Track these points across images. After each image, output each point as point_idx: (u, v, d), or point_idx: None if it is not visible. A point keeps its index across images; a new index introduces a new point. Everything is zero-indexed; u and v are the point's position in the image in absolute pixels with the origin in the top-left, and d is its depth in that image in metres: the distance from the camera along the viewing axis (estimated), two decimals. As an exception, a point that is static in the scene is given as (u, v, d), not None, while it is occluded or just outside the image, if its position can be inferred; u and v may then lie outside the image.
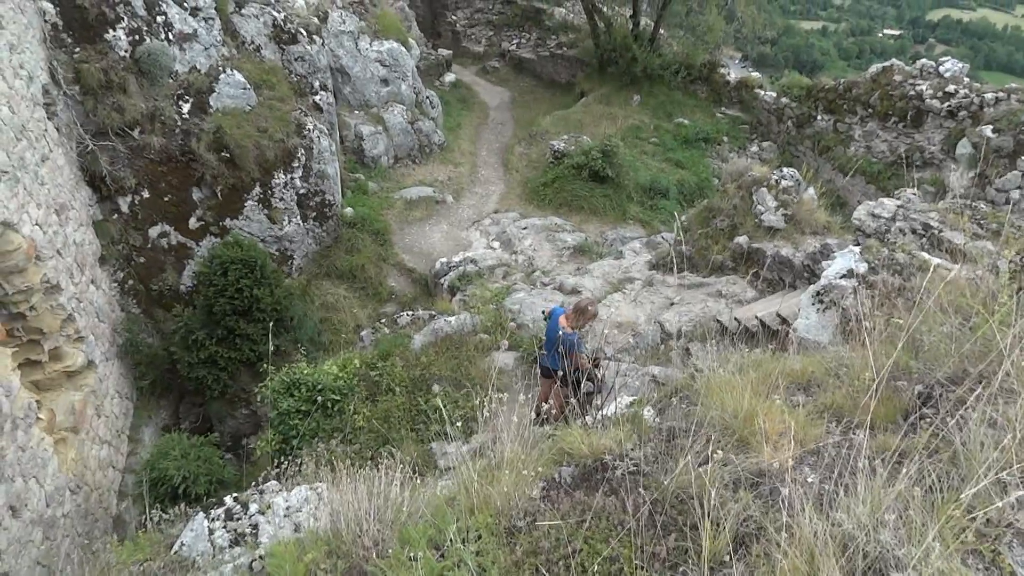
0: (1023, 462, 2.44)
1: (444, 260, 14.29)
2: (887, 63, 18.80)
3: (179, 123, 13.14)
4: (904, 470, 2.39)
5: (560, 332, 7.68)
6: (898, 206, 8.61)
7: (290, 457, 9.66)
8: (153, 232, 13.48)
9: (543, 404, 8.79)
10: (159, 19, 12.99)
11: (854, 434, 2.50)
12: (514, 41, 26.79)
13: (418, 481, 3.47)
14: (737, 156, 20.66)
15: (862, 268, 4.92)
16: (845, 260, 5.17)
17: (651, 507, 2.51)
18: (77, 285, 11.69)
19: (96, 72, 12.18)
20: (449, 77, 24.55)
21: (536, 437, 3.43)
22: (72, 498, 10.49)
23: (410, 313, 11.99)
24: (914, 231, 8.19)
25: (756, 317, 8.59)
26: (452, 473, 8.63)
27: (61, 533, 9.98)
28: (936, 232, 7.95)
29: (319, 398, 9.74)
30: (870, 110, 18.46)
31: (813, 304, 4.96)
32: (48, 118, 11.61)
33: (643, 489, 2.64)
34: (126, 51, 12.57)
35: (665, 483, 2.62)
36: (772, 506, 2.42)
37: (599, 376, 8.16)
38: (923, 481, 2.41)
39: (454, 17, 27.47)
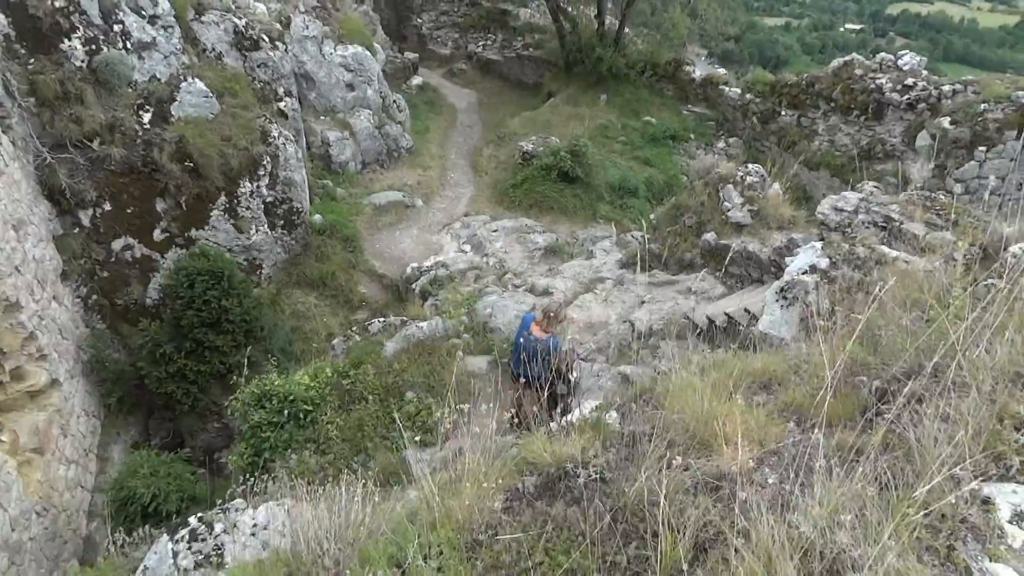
0: (976, 456, 2.47)
1: (415, 265, 14.22)
2: (848, 57, 19.10)
3: (140, 133, 12.90)
4: (860, 469, 2.41)
5: (531, 338, 7.66)
6: (860, 199, 8.74)
7: (261, 471, 9.59)
8: (116, 245, 13.22)
9: (516, 409, 8.79)
10: (116, 28, 12.75)
11: (813, 433, 2.51)
12: (480, 43, 26.75)
13: (376, 499, 3.41)
14: (704, 153, 20.86)
15: (824, 263, 4.98)
16: (807, 255, 5.22)
17: (612, 515, 2.50)
18: (38, 302, 11.41)
19: (52, 83, 11.90)
20: (416, 80, 24.44)
21: (499, 446, 3.41)
22: (39, 521, 10.25)
23: (382, 320, 11.90)
24: (876, 224, 8.31)
25: (725, 313, 8.65)
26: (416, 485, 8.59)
27: (28, 558, 9.75)
28: (897, 224, 8.07)
29: (291, 409, 9.63)
30: (832, 104, 18.74)
31: (777, 300, 5.00)
32: (3, 131, 11.34)
33: (604, 497, 2.62)
34: (83, 61, 12.31)
35: (627, 491, 2.61)
36: (731, 510, 2.42)
37: (572, 378, 8.16)
38: (879, 479, 2.43)
39: (420, 20, 27.36)
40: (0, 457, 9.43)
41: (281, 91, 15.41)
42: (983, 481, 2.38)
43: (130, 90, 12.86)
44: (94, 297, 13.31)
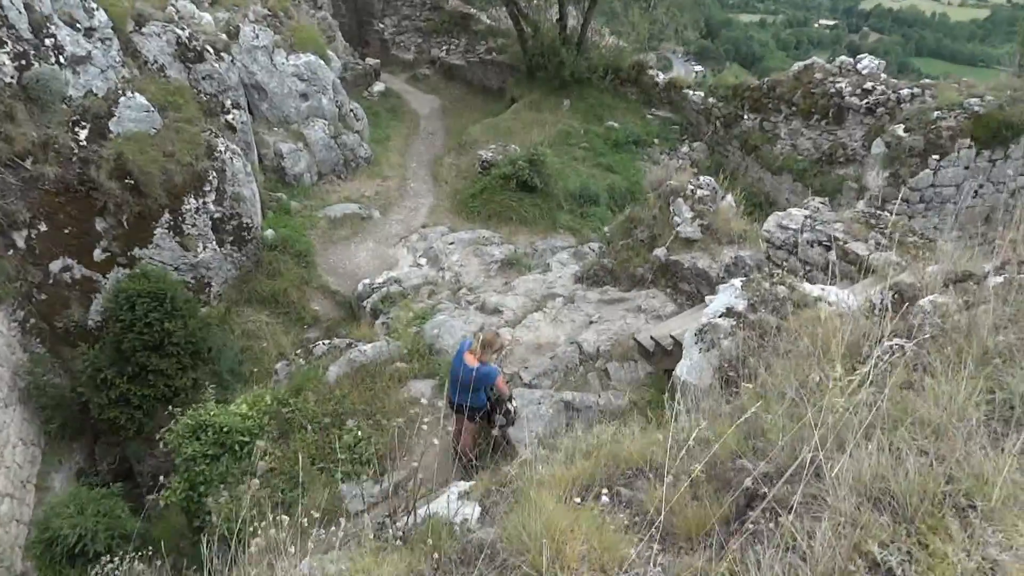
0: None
1: (367, 281, 13.87)
2: (808, 61, 19.02)
3: (76, 151, 12.43)
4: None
5: (466, 367, 7.38)
6: (806, 216, 8.55)
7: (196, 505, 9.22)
8: (55, 266, 12.75)
9: (454, 441, 8.50)
10: (48, 41, 12.27)
11: (665, 551, 2.23)
12: (444, 48, 26.40)
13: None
14: (668, 158, 20.68)
15: (741, 305, 4.71)
16: (726, 296, 4.97)
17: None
18: (-34, 330, 10.96)
19: (-22, 101, 11.43)
20: (378, 87, 24.05)
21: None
22: (-36, 562, 9.81)
23: (326, 342, 11.55)
24: (820, 243, 8.13)
25: (670, 336, 8.42)
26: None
27: (-50, 604, 9.31)
28: (841, 244, 7.89)
29: (227, 441, 9.26)
30: (794, 108, 18.64)
31: (696, 343, 4.75)
32: (-76, 153, 10.86)
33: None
34: (12, 77, 11.82)
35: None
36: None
37: (512, 408, 7.89)
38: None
39: (381, 25, 26.93)
40: (-83, 499, 8.95)
41: (228, 103, 14.98)
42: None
43: (64, 106, 12.40)
44: (32, 320, 12.82)
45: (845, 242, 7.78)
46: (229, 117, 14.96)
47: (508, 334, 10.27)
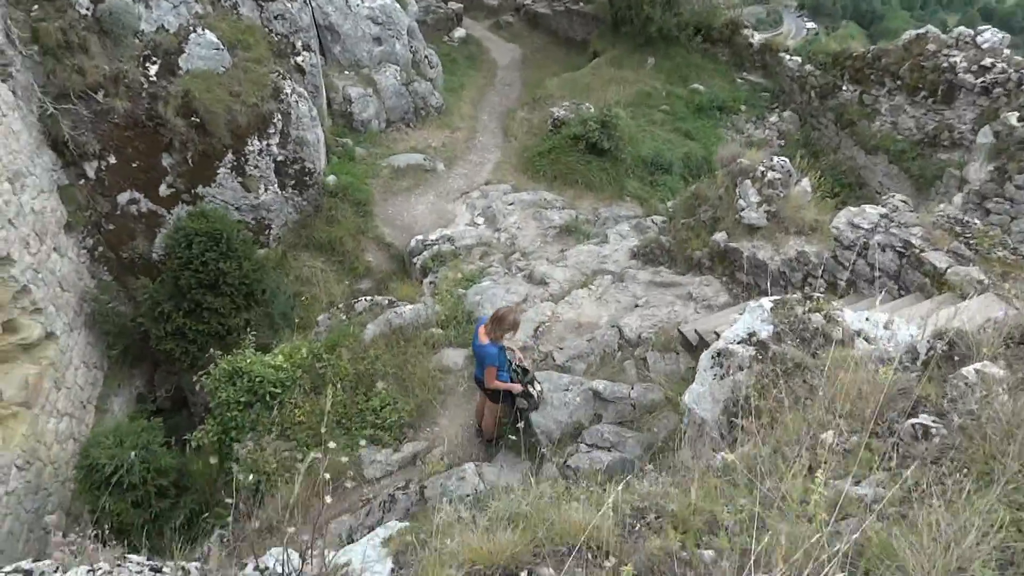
0: None
1: (420, 237, 13.67)
2: (922, 30, 17.23)
3: (145, 86, 12.59)
4: None
5: (477, 344, 7.08)
6: (881, 216, 7.72)
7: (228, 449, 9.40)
8: (122, 199, 13.11)
9: (478, 418, 8.28)
10: (124, -26, 12.32)
11: None
12: (530, -6, 25.44)
13: None
14: (754, 127, 19.47)
15: (766, 332, 4.14)
16: (752, 317, 4.40)
17: None
18: (35, 255, 11.39)
19: (55, 31, 11.64)
20: (459, 32, 23.47)
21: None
22: (20, 475, 10.39)
23: (368, 299, 11.46)
24: (894, 247, 7.32)
25: (715, 332, 7.84)
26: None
27: (3, 511, 9.91)
28: (917, 252, 7.07)
29: (259, 390, 9.36)
30: (899, 82, 17.00)
31: (712, 367, 4.24)
32: (2, 80, 11.16)
33: None
34: (87, 9, 11.99)
35: None
36: None
37: (536, 392, 7.57)
38: None
39: (469, -33, 26.10)
40: (-25, 415, 9.47)
41: (299, 45, 14.83)
42: None
43: (136, 40, 12.52)
44: (100, 249, 13.31)
45: (922, 250, 6.94)
46: (299, 59, 14.82)
47: (549, 309, 9.90)
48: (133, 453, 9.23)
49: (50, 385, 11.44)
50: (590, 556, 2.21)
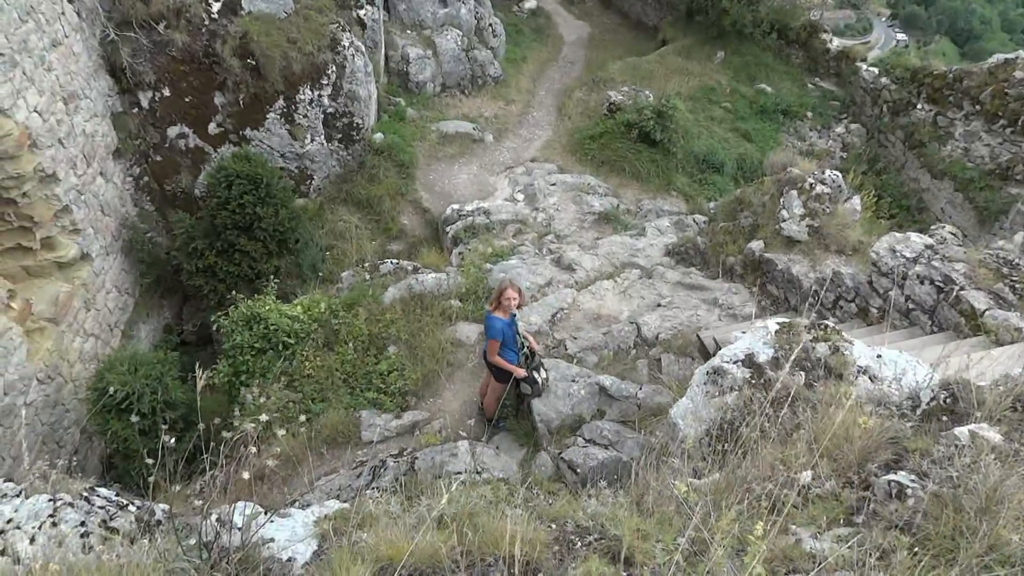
0: None
1: (456, 207, 13.56)
2: (1011, 55, 16.26)
3: (206, 22, 12.68)
4: None
5: (485, 314, 6.98)
6: (927, 246, 7.31)
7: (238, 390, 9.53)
8: (172, 132, 13.29)
9: (481, 398, 8.19)
10: (196, -92, 12.35)
11: None
12: (606, -28, 24.84)
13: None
14: (818, 135, 18.76)
15: (765, 355, 3.90)
16: (753, 337, 4.16)
17: None
18: (81, 177, 11.63)
19: (123, -42, 11.76)
20: (529, 3, 23.10)
21: None
22: (40, 388, 10.71)
23: (395, 262, 11.42)
24: (932, 281, 6.93)
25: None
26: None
27: (19, 422, 10.24)
28: (956, 289, 6.68)
29: (273, 338, 9.45)
30: (978, 107, 16.14)
31: (704, 383, 4.03)
32: (68, 1, 11.33)
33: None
34: (157, -61, 12.05)
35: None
36: None
37: (540, 379, 7.44)
38: None
39: (548, -63, 25.57)
40: (4, 323, 9.76)
41: (363, -2, 14.72)
42: None
43: (202, -24, 12.55)
44: (145, 179, 13.55)
45: (962, 287, 6.55)
46: (361, 12, 14.74)
47: (570, 297, 9.72)
48: (144, 383, 9.42)
49: (80, 305, 11.73)
50: (516, 571, 2.08)
